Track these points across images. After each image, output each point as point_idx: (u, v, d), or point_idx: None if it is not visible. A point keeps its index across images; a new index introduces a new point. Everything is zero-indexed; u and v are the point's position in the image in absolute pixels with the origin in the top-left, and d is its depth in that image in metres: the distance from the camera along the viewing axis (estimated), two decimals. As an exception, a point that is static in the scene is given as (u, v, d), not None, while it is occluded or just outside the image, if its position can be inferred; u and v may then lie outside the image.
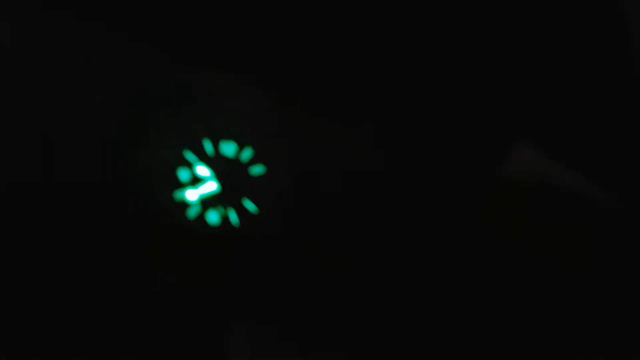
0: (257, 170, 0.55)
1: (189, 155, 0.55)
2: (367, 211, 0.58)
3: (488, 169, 0.56)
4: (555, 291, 0.56)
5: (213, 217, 0.57)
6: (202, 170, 0.56)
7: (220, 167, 0.55)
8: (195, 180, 0.56)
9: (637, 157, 0.53)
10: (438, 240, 0.58)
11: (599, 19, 0.51)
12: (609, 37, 0.51)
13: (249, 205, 0.56)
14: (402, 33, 0.53)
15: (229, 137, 0.55)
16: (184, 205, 0.57)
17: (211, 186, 0.56)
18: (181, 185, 0.57)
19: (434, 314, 0.59)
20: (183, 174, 0.56)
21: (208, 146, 0.55)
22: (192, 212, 0.57)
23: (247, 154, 0.55)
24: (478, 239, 0.57)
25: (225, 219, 0.57)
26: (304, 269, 0.59)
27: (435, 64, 0.53)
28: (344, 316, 0.59)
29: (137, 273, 0.59)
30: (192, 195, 0.56)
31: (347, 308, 0.59)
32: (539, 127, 0.55)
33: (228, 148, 0.55)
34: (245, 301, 0.60)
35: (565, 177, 0.55)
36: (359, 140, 0.56)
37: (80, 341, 0.56)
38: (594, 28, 0.51)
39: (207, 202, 0.56)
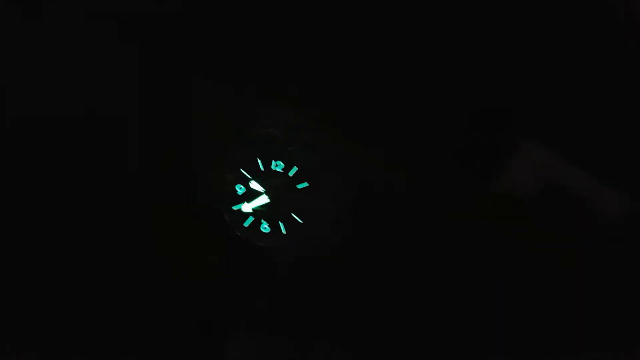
0: (302, 186, 0.63)
1: (245, 173, 0.64)
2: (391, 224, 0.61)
3: (494, 169, 0.57)
4: (555, 291, 0.56)
5: (265, 226, 0.65)
6: (255, 185, 0.64)
7: (271, 183, 0.64)
8: (250, 195, 0.65)
9: None
10: (440, 240, 0.59)
11: (605, 19, 0.50)
12: (614, 40, 0.51)
13: (296, 218, 0.64)
14: (412, 41, 0.55)
15: (279, 158, 0.63)
16: (241, 214, 0.65)
17: (263, 199, 0.64)
18: (238, 199, 0.65)
19: (434, 314, 0.59)
20: (240, 189, 0.65)
21: (261, 165, 0.64)
22: (248, 222, 0.65)
23: (293, 172, 0.63)
24: (480, 239, 0.58)
25: (275, 229, 0.65)
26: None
27: (443, 65, 0.55)
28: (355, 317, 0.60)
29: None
30: (247, 207, 0.65)
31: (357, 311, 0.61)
32: (547, 127, 0.55)
33: (278, 167, 0.63)
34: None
35: (572, 177, 0.55)
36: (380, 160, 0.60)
37: (85, 341, 0.57)
38: (600, 29, 0.51)
39: (260, 213, 0.65)
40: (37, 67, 0.57)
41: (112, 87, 0.58)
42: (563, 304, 0.56)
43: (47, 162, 0.59)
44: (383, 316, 0.61)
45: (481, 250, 0.58)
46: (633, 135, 0.53)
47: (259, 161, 0.64)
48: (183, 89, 0.60)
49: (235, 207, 0.65)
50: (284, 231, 0.65)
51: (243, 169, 0.64)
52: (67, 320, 0.58)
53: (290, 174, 0.63)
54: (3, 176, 0.59)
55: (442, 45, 0.54)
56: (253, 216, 0.65)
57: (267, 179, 0.64)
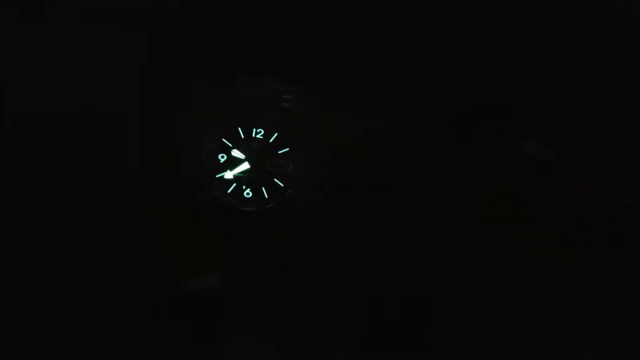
0: (283, 152, 0.67)
1: (227, 142, 0.67)
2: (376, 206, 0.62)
3: (492, 166, 0.59)
4: (555, 290, 0.57)
5: (247, 192, 0.68)
6: (237, 153, 0.67)
7: (252, 150, 0.67)
8: (232, 162, 0.68)
9: None
10: (439, 238, 0.60)
11: (605, 19, 0.50)
12: (612, 37, 0.51)
13: (276, 183, 0.68)
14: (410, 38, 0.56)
15: (259, 125, 0.67)
16: (224, 181, 0.68)
17: (244, 166, 0.67)
18: (221, 166, 0.68)
19: (434, 313, 0.60)
20: (222, 158, 0.68)
21: (242, 133, 0.67)
22: (230, 188, 0.68)
23: (274, 138, 0.67)
24: (479, 238, 0.59)
25: (257, 194, 0.68)
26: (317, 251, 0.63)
27: (440, 64, 0.56)
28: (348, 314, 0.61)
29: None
30: (229, 174, 0.67)
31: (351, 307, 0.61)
32: (547, 127, 0.56)
33: (258, 134, 0.67)
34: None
35: (571, 176, 0.56)
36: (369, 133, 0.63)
37: (85, 341, 0.56)
38: (598, 27, 0.51)
39: (242, 180, 0.68)
40: (38, 67, 0.57)
41: (110, 87, 0.59)
42: (563, 304, 0.57)
43: (48, 162, 0.59)
44: (383, 316, 0.62)
45: (476, 249, 0.59)
46: (633, 134, 0.53)
47: (240, 130, 0.67)
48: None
49: (218, 175, 0.68)
50: (266, 195, 0.68)
51: (225, 139, 0.67)
52: (67, 320, 0.57)
53: (271, 140, 0.67)
54: (4, 176, 0.58)
55: (442, 46, 0.56)
56: (236, 182, 0.68)
57: (249, 145, 0.67)
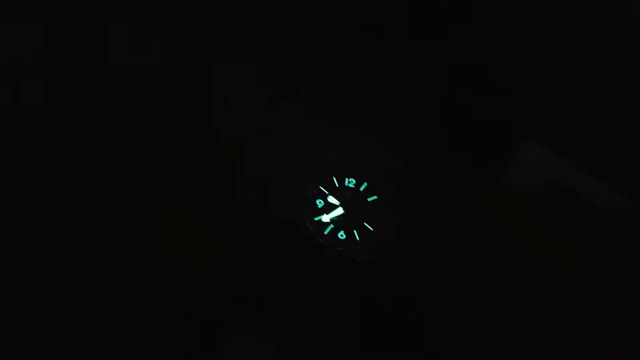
0: (372, 198, 0.75)
1: (324, 189, 0.78)
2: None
3: (495, 168, 0.59)
4: (555, 290, 0.57)
5: (341, 234, 0.77)
6: (332, 199, 0.77)
7: (345, 197, 0.76)
8: (329, 207, 0.78)
9: None
10: (442, 239, 0.62)
11: (606, 19, 0.50)
12: (615, 40, 0.51)
13: (368, 225, 0.76)
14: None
15: (351, 175, 0.77)
16: (321, 224, 0.78)
17: (339, 211, 0.77)
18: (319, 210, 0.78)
19: (434, 313, 0.61)
20: (320, 203, 0.78)
21: (335, 182, 0.77)
22: (327, 230, 0.78)
23: (364, 186, 0.76)
24: (481, 238, 0.60)
25: (350, 236, 0.77)
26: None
27: (443, 64, 0.57)
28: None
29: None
30: (326, 217, 0.78)
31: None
32: (547, 126, 0.56)
33: (350, 183, 0.77)
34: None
35: (572, 176, 0.56)
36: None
37: (85, 340, 0.58)
38: (600, 29, 0.51)
39: (337, 223, 0.77)
40: (38, 65, 0.60)
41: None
42: (563, 303, 0.57)
43: (48, 162, 0.61)
44: (382, 314, 0.64)
45: (478, 249, 0.60)
46: (633, 134, 0.54)
47: (334, 179, 0.77)
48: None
49: (316, 218, 0.78)
50: (357, 237, 0.77)
51: (321, 186, 0.78)
52: (67, 320, 0.58)
53: (361, 188, 0.76)
54: (5, 176, 0.61)
55: (442, 45, 0.58)
56: (332, 225, 0.78)
57: (342, 194, 0.77)
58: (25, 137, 0.62)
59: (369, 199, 0.76)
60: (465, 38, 0.57)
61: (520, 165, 0.58)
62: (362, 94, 0.66)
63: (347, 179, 0.77)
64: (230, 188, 0.73)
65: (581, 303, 0.57)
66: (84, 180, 0.64)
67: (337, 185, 0.77)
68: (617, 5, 0.50)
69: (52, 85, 0.63)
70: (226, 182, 0.73)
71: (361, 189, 0.77)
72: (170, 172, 0.69)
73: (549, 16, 0.53)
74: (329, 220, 0.78)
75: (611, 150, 0.55)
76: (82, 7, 0.61)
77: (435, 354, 0.61)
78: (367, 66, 0.64)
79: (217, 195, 0.72)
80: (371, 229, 0.76)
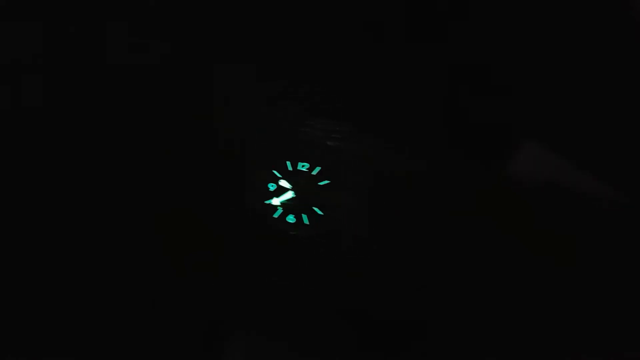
0: (323, 183, 0.76)
1: (276, 173, 0.77)
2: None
3: (495, 168, 0.60)
4: (555, 290, 0.56)
5: (290, 218, 0.75)
6: (284, 183, 0.77)
7: (297, 181, 0.77)
8: (280, 191, 0.77)
9: None
10: (442, 238, 0.61)
11: (606, 18, 0.51)
12: (615, 40, 0.51)
13: (317, 210, 0.75)
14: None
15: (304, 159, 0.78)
16: (272, 208, 0.76)
17: (289, 194, 0.76)
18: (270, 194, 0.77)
19: (434, 313, 0.59)
20: (271, 186, 0.77)
21: (289, 166, 0.77)
22: (276, 214, 0.76)
23: (316, 171, 0.77)
24: (481, 238, 0.59)
25: (299, 219, 0.75)
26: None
27: (443, 64, 0.60)
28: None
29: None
30: (276, 201, 0.76)
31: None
32: (547, 126, 0.57)
33: (303, 167, 0.78)
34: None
35: (572, 176, 0.56)
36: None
37: (85, 340, 0.55)
38: (600, 28, 0.52)
39: (287, 206, 0.76)
40: (38, 64, 0.61)
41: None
42: (563, 303, 0.57)
43: (48, 162, 0.61)
44: (382, 315, 0.62)
45: (478, 249, 0.59)
46: (633, 134, 0.54)
47: (288, 163, 0.78)
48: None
49: (266, 202, 0.76)
50: (306, 222, 0.75)
51: (275, 170, 0.78)
52: (67, 320, 0.57)
53: (314, 172, 0.77)
54: (5, 176, 0.60)
55: (442, 45, 0.60)
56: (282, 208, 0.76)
57: (294, 177, 0.77)
58: (25, 137, 0.62)
59: (320, 184, 0.76)
60: (465, 38, 0.58)
61: (520, 165, 0.58)
62: (362, 94, 0.66)
63: (300, 163, 0.78)
64: (230, 188, 0.73)
65: (581, 303, 0.56)
66: (84, 180, 0.64)
67: (290, 168, 0.78)
68: (617, 5, 0.50)
69: (52, 85, 0.64)
70: (226, 182, 0.73)
71: (313, 172, 0.77)
72: (170, 172, 0.69)
73: (549, 16, 0.54)
74: (279, 204, 0.76)
75: (611, 150, 0.54)
76: (82, 7, 0.63)
77: (435, 354, 0.58)
78: (367, 66, 0.66)
79: (217, 195, 0.71)
80: (321, 213, 0.75)
